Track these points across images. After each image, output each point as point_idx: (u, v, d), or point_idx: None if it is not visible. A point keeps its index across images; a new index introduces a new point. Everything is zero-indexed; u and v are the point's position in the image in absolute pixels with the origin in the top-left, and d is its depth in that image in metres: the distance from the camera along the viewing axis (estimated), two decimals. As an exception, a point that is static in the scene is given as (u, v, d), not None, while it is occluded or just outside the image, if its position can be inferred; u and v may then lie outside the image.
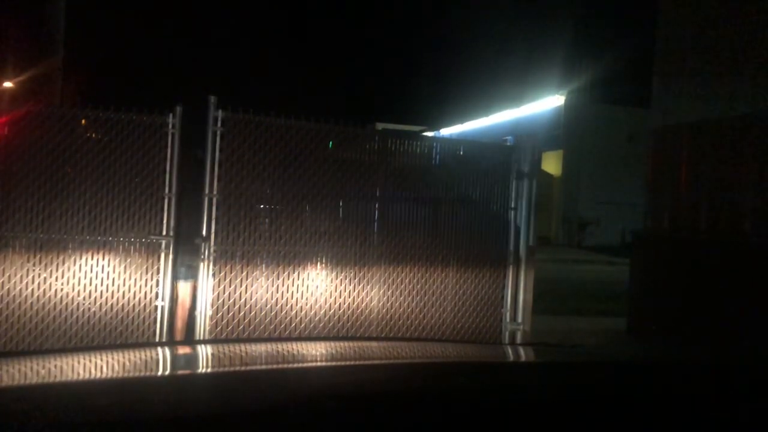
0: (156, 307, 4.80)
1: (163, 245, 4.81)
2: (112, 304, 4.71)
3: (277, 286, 5.00)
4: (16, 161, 4.60)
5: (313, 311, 5.10)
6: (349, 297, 5.21)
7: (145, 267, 4.78)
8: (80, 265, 4.66)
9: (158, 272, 4.80)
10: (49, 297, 4.60)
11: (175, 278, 4.95)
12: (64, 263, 4.63)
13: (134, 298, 4.76)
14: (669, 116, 8.65)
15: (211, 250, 4.82)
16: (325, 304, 5.14)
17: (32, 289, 4.58)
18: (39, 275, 4.59)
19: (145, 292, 4.78)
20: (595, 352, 2.97)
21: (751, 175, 7.29)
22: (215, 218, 4.83)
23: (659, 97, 8.97)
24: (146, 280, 4.79)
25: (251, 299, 4.93)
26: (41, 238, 4.60)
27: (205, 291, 4.82)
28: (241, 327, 4.88)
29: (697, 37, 8.21)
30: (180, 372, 2.04)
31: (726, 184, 7.60)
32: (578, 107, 26.31)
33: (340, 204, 5.35)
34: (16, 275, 4.56)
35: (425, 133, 23.99)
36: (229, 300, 4.87)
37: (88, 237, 4.66)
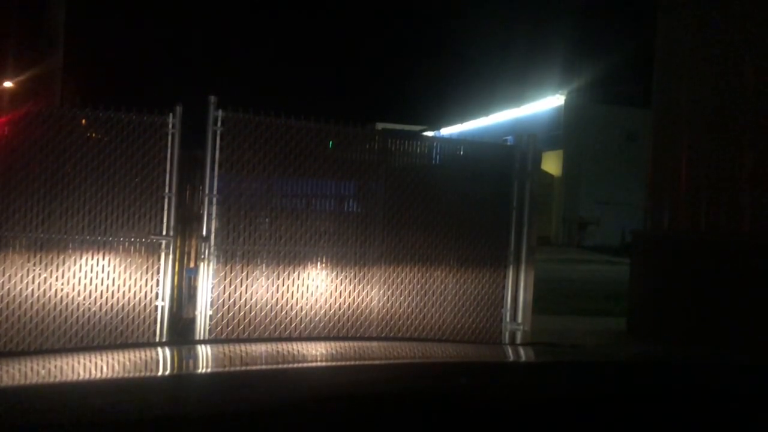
0: (156, 307, 4.80)
1: (163, 245, 4.81)
2: (112, 304, 4.71)
3: (278, 286, 5.00)
4: (16, 161, 4.60)
5: (313, 311, 5.10)
6: (349, 297, 5.21)
7: (145, 267, 4.78)
8: (80, 265, 4.66)
9: (158, 272, 4.80)
10: (49, 297, 4.60)
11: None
12: (64, 263, 4.63)
13: (134, 298, 4.76)
14: (669, 115, 8.65)
15: (211, 249, 4.83)
16: (326, 304, 5.14)
17: (32, 289, 4.58)
18: (39, 275, 4.59)
19: (145, 292, 4.78)
20: (595, 352, 2.97)
21: (749, 173, 7.29)
22: (215, 218, 4.83)
23: (659, 97, 8.97)
24: (146, 280, 4.79)
25: (251, 299, 4.93)
26: (41, 238, 4.60)
27: (205, 291, 4.82)
28: (241, 327, 4.88)
29: (697, 35, 8.20)
30: (180, 372, 2.04)
31: (725, 182, 7.60)
32: (578, 107, 26.34)
33: (340, 204, 5.35)
34: (16, 275, 4.56)
35: (425, 133, 23.99)
36: (229, 300, 4.86)
37: (88, 237, 4.66)
